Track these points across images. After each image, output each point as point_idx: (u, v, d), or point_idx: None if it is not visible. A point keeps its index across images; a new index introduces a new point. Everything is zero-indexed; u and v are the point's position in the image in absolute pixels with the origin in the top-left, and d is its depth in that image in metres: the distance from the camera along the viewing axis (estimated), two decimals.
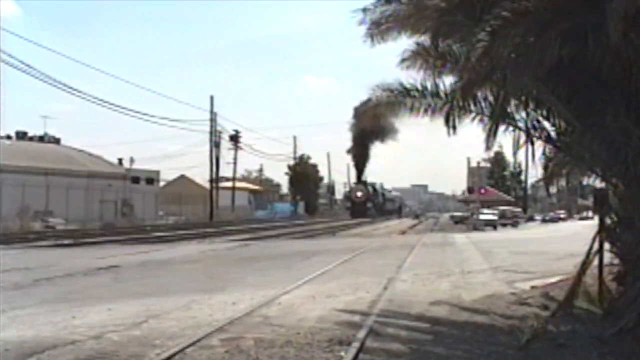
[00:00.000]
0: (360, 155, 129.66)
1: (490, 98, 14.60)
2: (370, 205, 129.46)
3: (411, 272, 21.64)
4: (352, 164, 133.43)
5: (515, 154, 15.41)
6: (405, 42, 14.78)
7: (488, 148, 15.04)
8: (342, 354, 10.07)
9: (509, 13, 11.24)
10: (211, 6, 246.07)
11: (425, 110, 15.66)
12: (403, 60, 15.06)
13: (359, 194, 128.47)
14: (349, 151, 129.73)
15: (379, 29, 14.40)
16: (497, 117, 14.36)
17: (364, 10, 14.27)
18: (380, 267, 23.63)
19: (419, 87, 15.46)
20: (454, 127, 14.86)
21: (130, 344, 10.67)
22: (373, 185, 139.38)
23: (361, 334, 11.34)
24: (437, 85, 15.33)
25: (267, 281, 19.20)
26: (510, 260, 26.05)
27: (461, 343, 11.14)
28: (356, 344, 10.52)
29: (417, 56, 14.90)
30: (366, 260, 27.32)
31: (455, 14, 12.89)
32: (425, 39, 14.52)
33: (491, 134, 14.46)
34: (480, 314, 13.85)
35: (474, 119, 14.95)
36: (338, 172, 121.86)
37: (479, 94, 14.32)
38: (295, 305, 14.51)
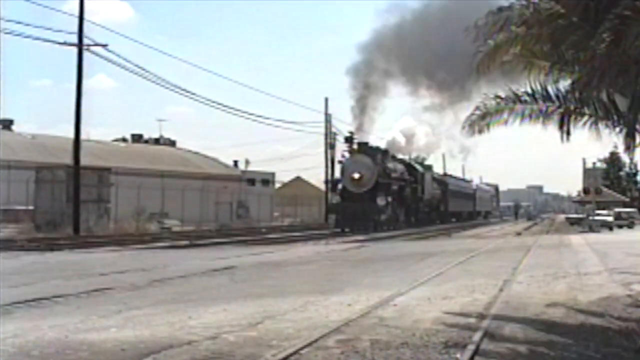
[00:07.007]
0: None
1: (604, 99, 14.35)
2: (385, 201, 61.40)
3: (527, 273, 21.35)
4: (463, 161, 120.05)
5: (627, 153, 15.09)
6: None
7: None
8: (458, 356, 9.94)
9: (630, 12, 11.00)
10: (321, 8, 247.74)
11: (537, 116, 15.46)
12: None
13: (356, 175, 60.48)
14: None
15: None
16: (632, 124, 14.05)
17: (476, 26, 14.11)
18: (496, 268, 23.34)
19: (530, 92, 15.26)
20: (568, 133, 14.71)
21: (246, 344, 10.68)
22: (407, 162, 77.71)
23: (477, 336, 11.21)
24: (547, 90, 15.12)
25: (383, 283, 19.06)
26: (626, 262, 25.46)
27: (577, 345, 10.95)
28: (472, 347, 10.39)
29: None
30: (482, 261, 27.02)
31: (569, 17, 12.71)
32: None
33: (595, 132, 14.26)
34: (596, 317, 13.66)
35: (585, 122, 14.81)
36: (454, 172, 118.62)
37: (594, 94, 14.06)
38: (411, 307, 14.36)
